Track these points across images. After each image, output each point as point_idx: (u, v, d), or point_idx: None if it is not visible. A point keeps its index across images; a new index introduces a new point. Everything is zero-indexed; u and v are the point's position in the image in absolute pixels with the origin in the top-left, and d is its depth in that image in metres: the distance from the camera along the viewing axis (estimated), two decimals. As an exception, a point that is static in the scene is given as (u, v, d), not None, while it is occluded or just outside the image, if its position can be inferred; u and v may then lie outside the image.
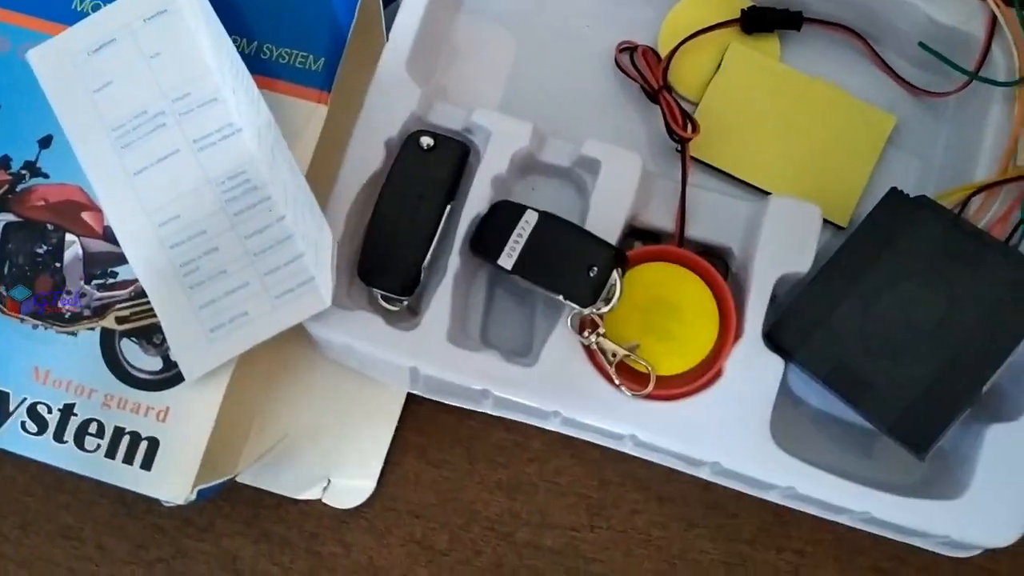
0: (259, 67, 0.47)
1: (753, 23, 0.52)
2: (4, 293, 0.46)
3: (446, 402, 0.49)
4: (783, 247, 0.46)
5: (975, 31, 0.49)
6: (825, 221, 0.47)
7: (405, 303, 0.47)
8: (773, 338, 0.45)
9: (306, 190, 0.41)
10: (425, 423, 0.50)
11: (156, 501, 0.44)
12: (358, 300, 0.47)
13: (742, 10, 0.52)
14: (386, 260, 0.47)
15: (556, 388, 0.45)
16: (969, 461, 0.43)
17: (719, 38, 0.52)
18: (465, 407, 0.49)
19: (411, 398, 0.49)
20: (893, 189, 0.46)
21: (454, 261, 0.46)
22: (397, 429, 0.49)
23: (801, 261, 0.45)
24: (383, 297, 0.47)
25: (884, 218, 0.45)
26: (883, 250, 0.45)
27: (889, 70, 0.52)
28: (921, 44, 0.50)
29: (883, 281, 0.44)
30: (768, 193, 0.49)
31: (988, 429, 0.43)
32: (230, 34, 0.46)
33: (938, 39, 0.50)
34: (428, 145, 0.48)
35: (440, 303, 0.46)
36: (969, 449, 0.43)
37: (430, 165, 0.47)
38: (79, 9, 0.49)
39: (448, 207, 0.48)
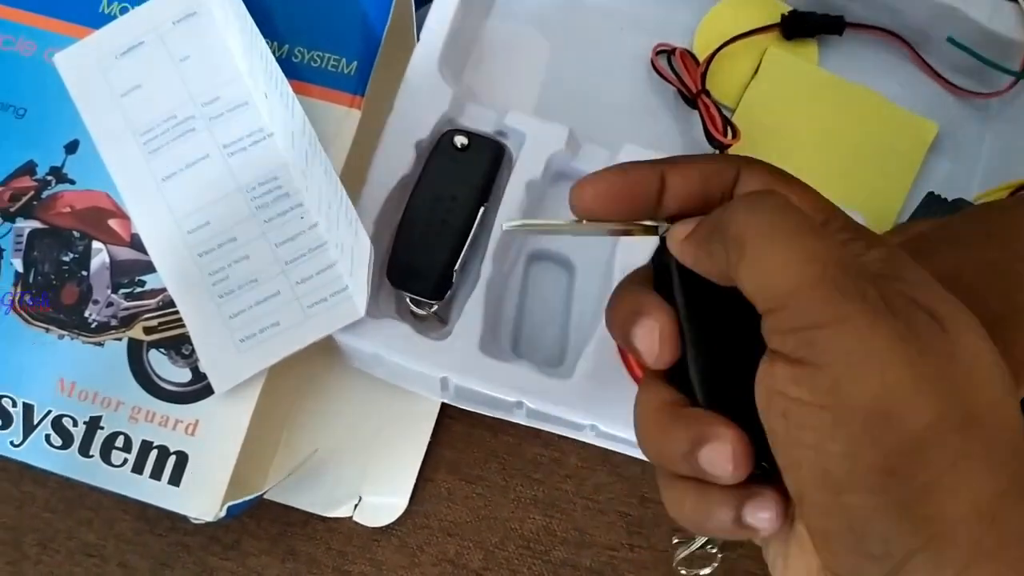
0: (291, 71, 0.46)
1: (794, 28, 0.51)
2: (29, 302, 0.45)
3: (477, 411, 0.47)
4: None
5: (1017, 35, 0.48)
6: (869, 229, 0.46)
7: (435, 308, 0.46)
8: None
9: (343, 196, 0.40)
10: (458, 438, 0.48)
11: (181, 518, 0.43)
12: (385, 308, 0.46)
13: (783, 15, 0.51)
14: (417, 263, 0.45)
15: (593, 401, 0.43)
16: None
17: (756, 42, 0.51)
18: (497, 417, 0.47)
19: (444, 412, 0.48)
20: (930, 194, 0.45)
21: (487, 267, 0.45)
22: (430, 444, 0.48)
23: (848, 270, 0.44)
24: (412, 301, 0.46)
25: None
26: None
27: (933, 72, 0.51)
28: (952, 41, 0.49)
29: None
30: (810, 201, 0.48)
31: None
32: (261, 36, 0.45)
33: (981, 43, 0.49)
34: (462, 144, 0.46)
35: (472, 311, 0.44)
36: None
37: (464, 165, 0.46)
38: (106, 12, 0.48)
39: (482, 210, 0.46)
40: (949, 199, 0.45)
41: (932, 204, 0.45)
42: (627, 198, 0.27)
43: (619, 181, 0.28)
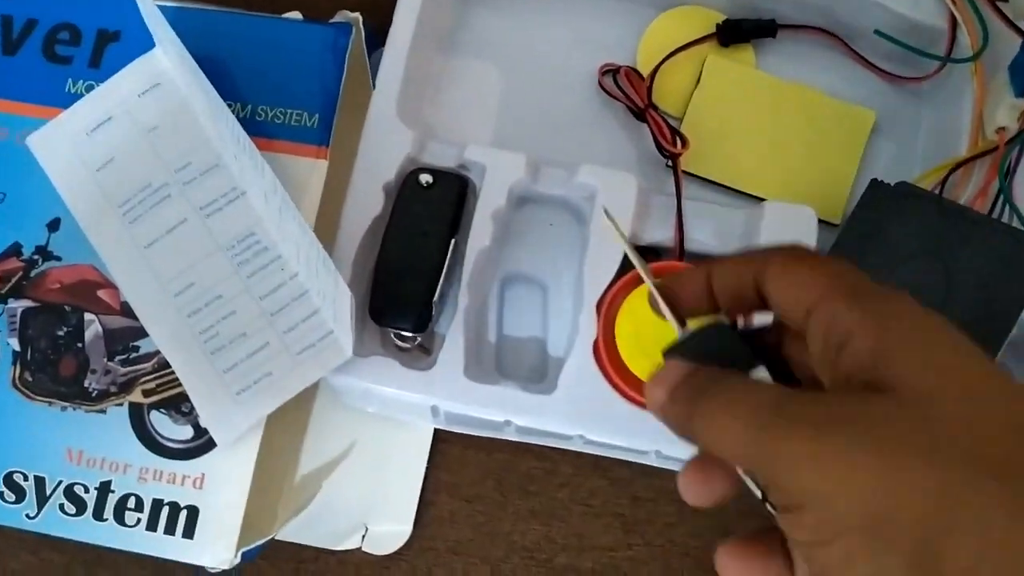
0: (256, 129, 0.48)
1: (730, 35, 0.53)
2: (29, 379, 0.47)
3: (469, 433, 0.50)
4: (784, 251, 0.47)
5: (938, 21, 0.51)
6: (820, 221, 0.49)
7: (418, 340, 0.48)
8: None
9: (318, 247, 0.42)
10: (454, 460, 0.50)
11: (198, 569, 0.45)
12: (371, 345, 0.48)
13: (717, 24, 0.53)
14: (397, 299, 0.48)
15: (577, 412, 0.45)
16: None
17: (695, 52, 0.54)
18: (489, 436, 0.49)
19: (438, 437, 0.50)
20: (873, 180, 0.47)
21: (463, 296, 0.47)
22: (427, 469, 0.50)
23: (803, 263, 0.47)
24: (396, 335, 0.48)
25: (869, 210, 0.47)
26: (874, 241, 0.46)
27: (866, 62, 0.54)
28: (879, 33, 0.52)
29: (880, 271, 0.45)
30: (761, 199, 0.50)
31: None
32: (224, 100, 0.47)
33: (906, 32, 0.52)
34: (427, 182, 0.48)
35: (454, 339, 0.46)
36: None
37: (431, 202, 0.48)
38: (72, 91, 0.50)
39: (453, 242, 0.48)
40: (892, 183, 0.48)
41: (876, 190, 0.47)
42: (685, 297, 0.30)
43: (677, 286, 0.31)
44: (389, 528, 0.49)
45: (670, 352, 0.30)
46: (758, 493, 0.27)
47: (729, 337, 0.29)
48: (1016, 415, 0.23)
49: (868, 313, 0.25)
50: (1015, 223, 0.46)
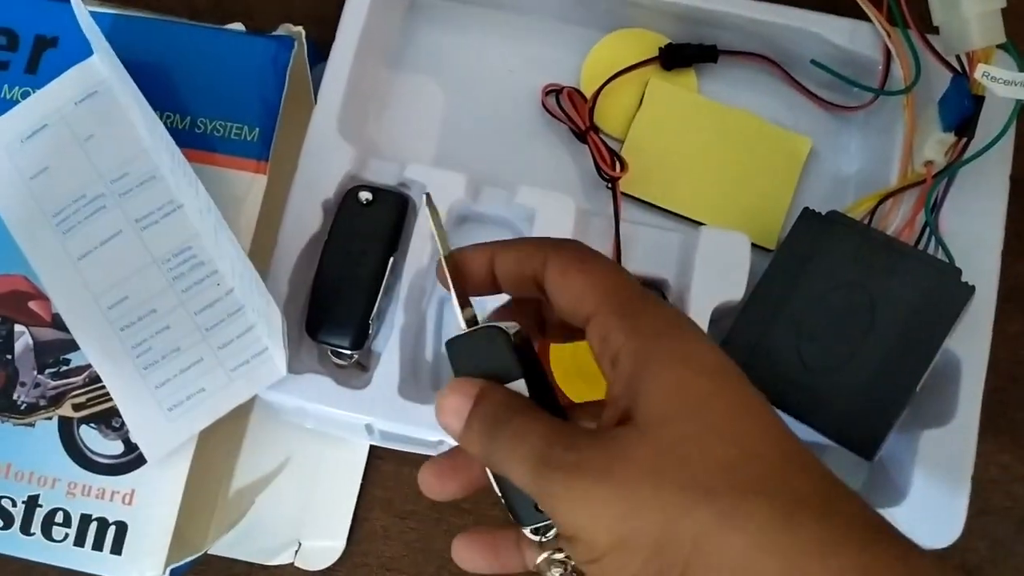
0: (195, 141, 0.48)
1: (671, 59, 0.54)
2: (-44, 391, 0.46)
3: (404, 450, 0.50)
4: (716, 277, 0.48)
5: (874, 53, 0.52)
6: (755, 246, 0.50)
7: (355, 357, 0.48)
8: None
9: (250, 268, 0.42)
10: (388, 477, 0.51)
11: (128, 583, 0.45)
12: (307, 361, 0.48)
13: (660, 48, 0.54)
14: (334, 316, 0.48)
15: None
16: (906, 468, 0.45)
17: (638, 75, 0.54)
18: (423, 453, 0.50)
19: (373, 453, 0.50)
20: (805, 209, 0.48)
21: (400, 314, 0.47)
22: (362, 485, 0.50)
23: (734, 290, 0.47)
24: (333, 352, 0.48)
25: (800, 238, 0.48)
26: (805, 268, 0.47)
27: (804, 89, 0.54)
28: (815, 63, 0.53)
29: (809, 298, 0.46)
30: (699, 223, 0.51)
31: (921, 436, 0.46)
32: (163, 110, 0.47)
33: (842, 62, 0.53)
34: (367, 200, 0.49)
35: (389, 358, 0.47)
36: (906, 457, 0.46)
37: (370, 219, 0.49)
38: (8, 97, 0.49)
39: (391, 259, 0.49)
40: (824, 212, 0.49)
41: (808, 219, 0.48)
42: (467, 274, 0.33)
43: (458, 261, 0.33)
44: (322, 544, 0.49)
45: (449, 343, 0.32)
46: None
47: (502, 345, 0.31)
48: (736, 436, 0.26)
49: (632, 334, 0.28)
50: (940, 255, 0.47)
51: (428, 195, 0.35)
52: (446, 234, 0.34)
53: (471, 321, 0.32)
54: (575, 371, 0.47)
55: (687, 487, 0.25)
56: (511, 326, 0.31)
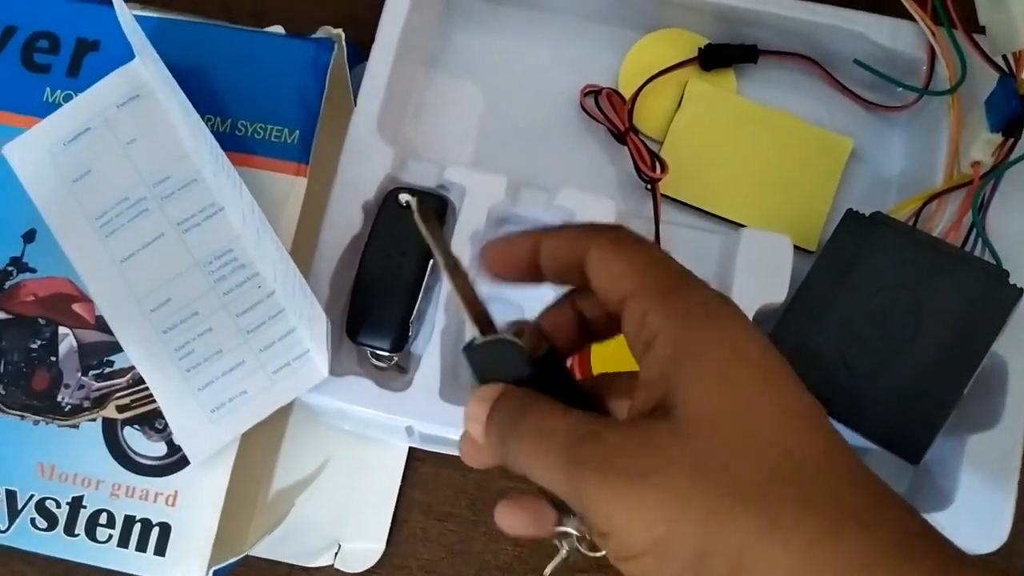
0: (235, 144, 0.48)
1: (711, 60, 0.54)
2: (2, 392, 0.46)
3: (444, 452, 0.50)
4: (758, 279, 0.47)
5: (918, 53, 0.51)
6: (796, 247, 0.49)
7: (395, 359, 0.48)
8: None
9: (294, 270, 0.42)
10: (428, 479, 0.51)
11: (171, 584, 0.45)
12: (347, 363, 0.48)
13: (699, 48, 0.54)
14: (374, 318, 0.48)
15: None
16: (952, 472, 0.45)
17: (678, 76, 0.54)
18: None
19: (412, 455, 0.50)
20: (849, 210, 0.48)
21: (439, 317, 0.47)
22: (401, 487, 0.50)
23: (776, 292, 0.47)
24: (373, 355, 0.48)
25: (844, 240, 0.47)
26: (849, 270, 0.46)
27: (845, 90, 0.54)
28: (858, 63, 0.52)
29: (854, 301, 0.46)
30: (739, 224, 0.51)
31: (968, 440, 0.45)
32: (204, 113, 0.47)
33: (885, 62, 0.52)
34: (407, 202, 0.49)
35: (430, 360, 0.46)
36: (951, 461, 0.45)
37: (410, 221, 0.48)
38: (51, 100, 0.50)
39: (431, 261, 0.49)
40: (867, 213, 0.48)
41: (852, 221, 0.48)
42: (511, 262, 0.31)
43: (502, 248, 0.31)
44: (362, 546, 0.49)
45: (465, 349, 0.31)
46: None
47: (516, 356, 0.30)
48: (784, 442, 0.25)
49: (672, 316, 0.27)
50: (987, 257, 0.47)
51: (417, 200, 0.33)
52: (447, 243, 0.32)
53: (485, 327, 0.30)
54: (616, 367, 0.47)
55: (731, 495, 0.24)
56: (523, 325, 0.31)
